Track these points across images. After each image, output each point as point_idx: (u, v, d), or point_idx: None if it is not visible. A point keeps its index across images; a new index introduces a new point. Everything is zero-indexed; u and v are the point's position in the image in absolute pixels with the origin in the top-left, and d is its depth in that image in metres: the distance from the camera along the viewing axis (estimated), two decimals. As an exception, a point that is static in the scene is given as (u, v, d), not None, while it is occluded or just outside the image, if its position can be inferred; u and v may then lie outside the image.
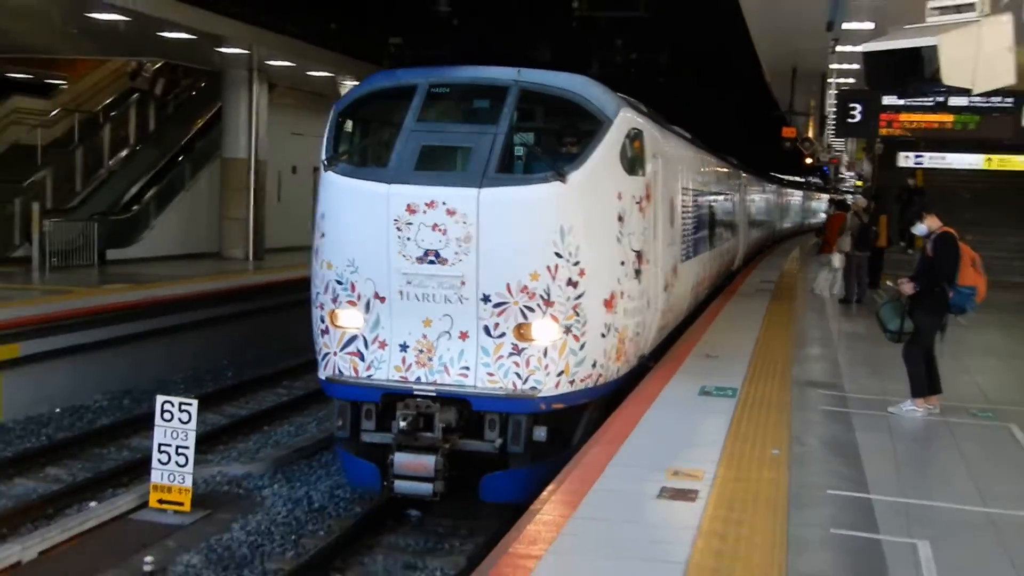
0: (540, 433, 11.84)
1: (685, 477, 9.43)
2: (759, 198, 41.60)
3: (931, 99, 20.61)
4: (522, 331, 11.63)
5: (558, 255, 11.53)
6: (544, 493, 9.03)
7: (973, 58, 10.54)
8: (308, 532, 12.74)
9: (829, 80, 27.29)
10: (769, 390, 13.41)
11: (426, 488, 11.61)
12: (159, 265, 27.01)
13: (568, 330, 11.72)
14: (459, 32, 31.85)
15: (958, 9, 10.72)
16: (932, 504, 9.33)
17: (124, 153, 31.37)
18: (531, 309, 11.57)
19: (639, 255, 12.93)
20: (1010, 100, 20.44)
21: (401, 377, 11.90)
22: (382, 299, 11.82)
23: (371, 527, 12.69)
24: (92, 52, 30.73)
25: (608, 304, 12.12)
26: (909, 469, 10.51)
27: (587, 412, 12.55)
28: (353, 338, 12.09)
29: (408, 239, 11.46)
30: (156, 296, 21.66)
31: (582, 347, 11.87)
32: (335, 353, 12.20)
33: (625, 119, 12.76)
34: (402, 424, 11.59)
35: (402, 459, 11.65)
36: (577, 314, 11.72)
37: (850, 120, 21.44)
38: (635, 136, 13.21)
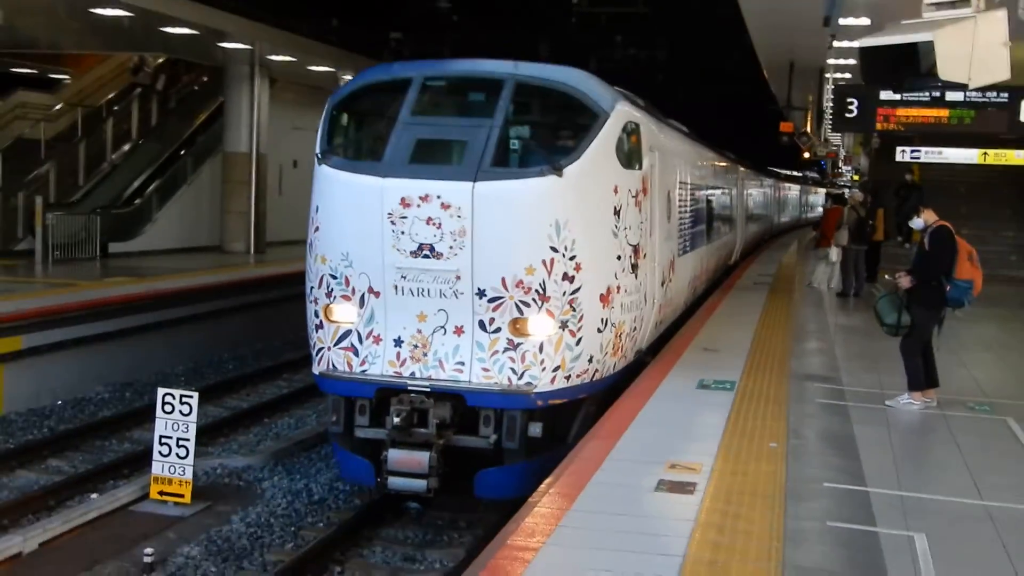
0: (535, 429, 11.72)
1: (683, 470, 9.45)
2: (757, 192, 41.53)
3: (927, 94, 20.69)
4: (517, 326, 11.56)
5: (554, 249, 11.45)
6: (542, 486, 9.03)
7: (968, 53, 10.59)
8: (308, 524, 12.80)
9: (826, 75, 27.28)
10: (767, 383, 13.43)
11: (420, 484, 11.54)
12: (161, 258, 27.12)
13: (564, 325, 11.64)
14: (459, 28, 31.94)
15: (953, 5, 10.77)
16: (929, 497, 9.35)
17: (127, 147, 31.41)
18: (526, 304, 11.49)
19: (636, 249, 12.86)
20: (1005, 95, 20.52)
21: (395, 372, 11.79)
22: (376, 294, 11.74)
23: (370, 519, 12.73)
24: (95, 47, 30.79)
25: (604, 299, 12.04)
26: (906, 462, 10.53)
27: (583, 408, 12.47)
28: (347, 333, 12.01)
29: (402, 233, 11.36)
30: (158, 289, 21.73)
31: (578, 342, 11.79)
32: (329, 348, 12.11)
33: (621, 112, 12.66)
34: (396, 420, 11.49)
35: (396, 455, 11.58)
36: (573, 309, 11.64)
37: (847, 115, 21.53)
38: (632, 129, 13.11)
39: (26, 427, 16.96)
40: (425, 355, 11.72)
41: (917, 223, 12.91)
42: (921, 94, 20.69)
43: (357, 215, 11.70)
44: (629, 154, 12.98)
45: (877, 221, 25.81)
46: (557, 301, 11.55)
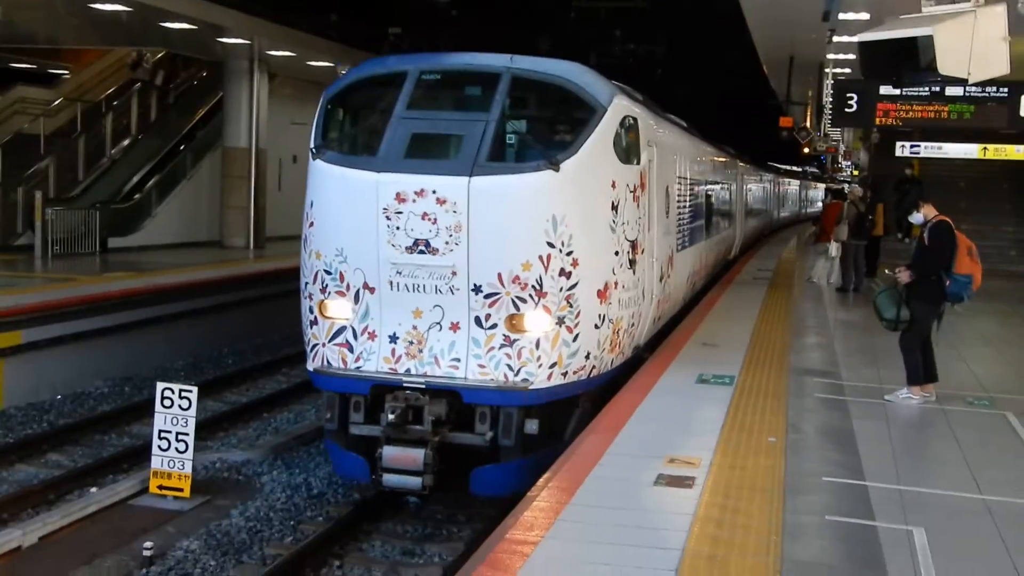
0: (532, 426, 11.60)
1: (682, 464, 9.46)
2: (756, 187, 41.51)
3: (927, 89, 20.72)
4: (514, 322, 11.44)
5: (550, 245, 11.34)
6: (541, 480, 9.03)
7: (968, 48, 10.62)
8: (307, 518, 12.79)
9: (826, 70, 27.30)
10: (766, 378, 13.44)
11: (415, 482, 11.45)
12: (160, 253, 27.13)
13: (561, 321, 11.52)
14: (458, 23, 31.92)
15: (953, -1, 10.80)
16: (928, 491, 9.37)
17: (126, 142, 31.44)
18: (523, 300, 11.37)
19: (634, 245, 12.77)
20: (1005, 90, 20.57)
21: (390, 369, 11.68)
22: (371, 289, 11.63)
23: (369, 513, 12.74)
24: (95, 42, 30.82)
25: (602, 295, 11.94)
26: (905, 456, 10.53)
27: (580, 404, 12.38)
28: (342, 329, 11.89)
29: (397, 228, 11.25)
30: (157, 284, 21.71)
31: (575, 338, 11.68)
32: (324, 344, 12.00)
33: (619, 106, 12.56)
34: (391, 417, 11.38)
35: (391, 452, 11.48)
36: (570, 305, 11.53)
37: (847, 110, 21.60)
38: (629, 124, 13.01)
39: (26, 421, 16.96)
40: (420, 351, 11.62)
41: (917, 218, 12.91)
42: (921, 89, 20.72)
43: (352, 210, 11.59)
44: (627, 149, 12.89)
45: (877, 216, 25.85)
46: (554, 297, 11.44)
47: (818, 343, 16.90)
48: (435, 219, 11.18)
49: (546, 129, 13.07)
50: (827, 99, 26.53)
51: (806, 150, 38.06)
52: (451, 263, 11.27)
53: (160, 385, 13.02)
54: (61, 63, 35.39)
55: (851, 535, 8.02)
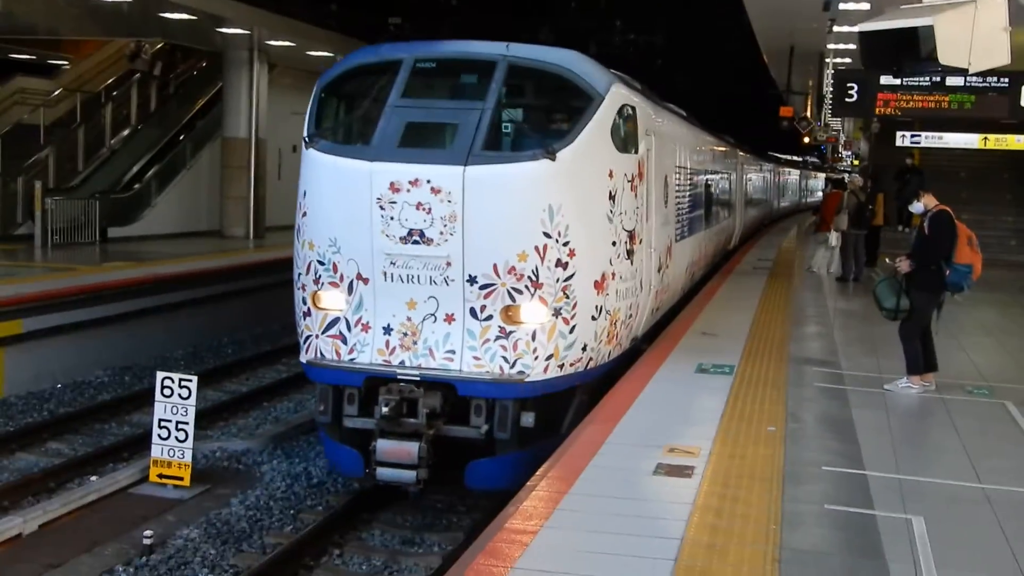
0: (528, 419, 11.47)
1: (681, 454, 9.47)
2: (756, 177, 41.45)
3: (927, 79, 20.71)
4: (510, 313, 11.28)
5: (547, 235, 11.18)
6: (540, 470, 9.01)
7: (969, 38, 10.61)
8: (307, 507, 12.81)
9: (826, 60, 27.28)
10: (766, 368, 13.44)
11: (409, 476, 11.29)
12: (160, 243, 27.17)
13: (557, 312, 11.38)
14: (458, 12, 31.91)
15: (953, -11, 10.79)
16: (927, 480, 9.39)
17: (126, 132, 31.39)
18: (519, 291, 11.22)
19: (631, 235, 12.63)
20: (1006, 80, 20.56)
21: (384, 361, 11.51)
22: (365, 280, 11.48)
23: (369, 502, 12.74)
24: (95, 32, 30.77)
25: (599, 285, 11.80)
26: (904, 446, 10.53)
27: (577, 397, 12.24)
28: (335, 320, 11.74)
29: (392, 218, 11.07)
30: (157, 273, 21.73)
31: (572, 330, 11.53)
32: (317, 336, 11.86)
33: (617, 95, 12.41)
34: (385, 409, 11.20)
35: (385, 446, 11.32)
36: (567, 296, 11.38)
37: (847, 99, 21.59)
38: (627, 113, 12.86)
39: (26, 410, 16.98)
40: (415, 343, 11.46)
41: (917, 207, 12.91)
42: (921, 79, 20.72)
43: (345, 200, 11.43)
44: (625, 138, 12.74)
45: (877, 206, 25.85)
46: (550, 288, 11.30)
47: (818, 332, 16.89)
48: (430, 209, 11.00)
49: (542, 118, 12.93)
50: (827, 89, 26.53)
51: (806, 140, 38.07)
52: (446, 254, 11.10)
53: (160, 374, 13.05)
54: (61, 54, 35.39)
55: (850, 524, 8.01)
